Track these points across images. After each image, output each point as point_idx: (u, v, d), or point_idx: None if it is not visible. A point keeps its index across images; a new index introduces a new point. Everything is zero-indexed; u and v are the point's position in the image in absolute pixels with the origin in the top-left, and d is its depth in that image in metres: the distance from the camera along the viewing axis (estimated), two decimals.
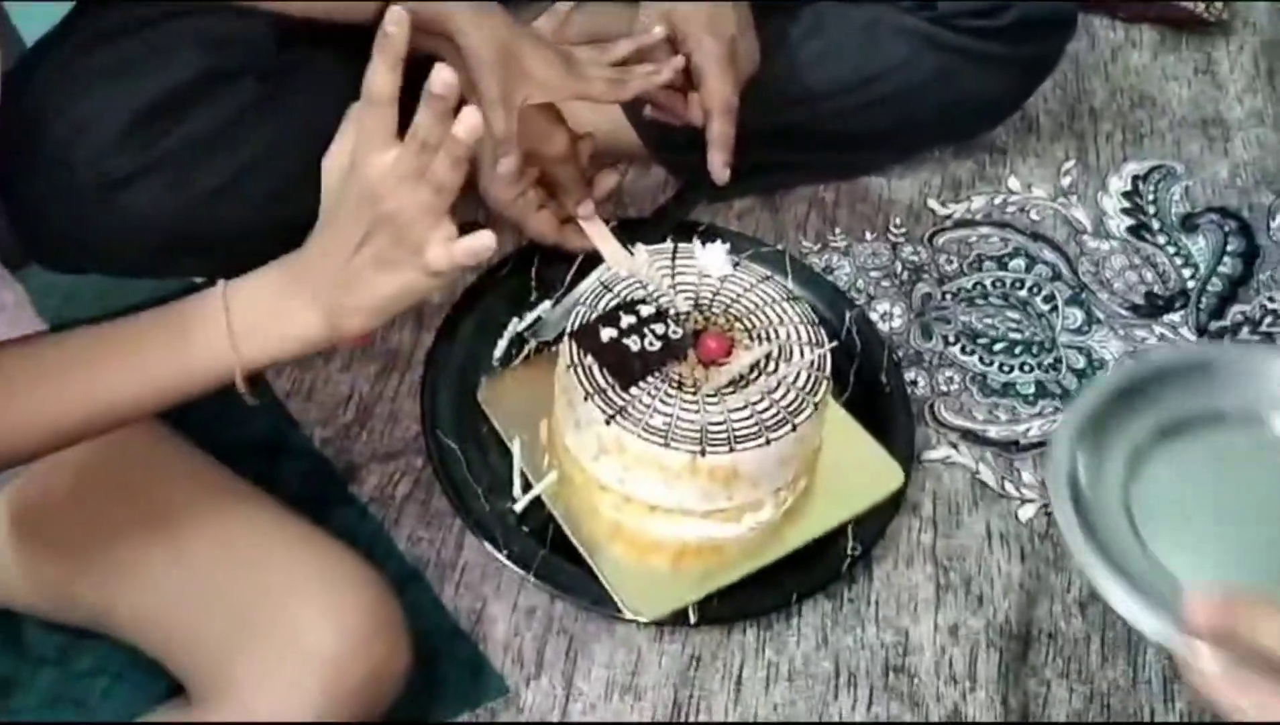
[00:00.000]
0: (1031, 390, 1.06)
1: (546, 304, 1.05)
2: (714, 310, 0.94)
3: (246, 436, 0.95)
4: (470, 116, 0.63)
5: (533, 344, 1.02)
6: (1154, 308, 1.13)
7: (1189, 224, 1.21)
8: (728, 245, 0.97)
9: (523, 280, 1.07)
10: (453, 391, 0.99)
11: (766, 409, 0.88)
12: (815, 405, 0.88)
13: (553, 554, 0.90)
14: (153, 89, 0.84)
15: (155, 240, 0.86)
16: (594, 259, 1.01)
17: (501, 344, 1.03)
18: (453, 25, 0.84)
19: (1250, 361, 0.62)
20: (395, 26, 0.63)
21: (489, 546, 0.90)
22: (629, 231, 1.01)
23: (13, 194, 0.87)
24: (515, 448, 0.95)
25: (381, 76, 0.64)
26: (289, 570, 0.77)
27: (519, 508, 0.92)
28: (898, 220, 1.18)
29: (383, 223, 0.64)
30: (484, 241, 0.64)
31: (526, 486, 0.94)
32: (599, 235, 1.00)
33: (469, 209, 1.11)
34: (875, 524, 0.94)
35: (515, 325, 1.04)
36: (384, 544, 0.92)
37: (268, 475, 0.86)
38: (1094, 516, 0.57)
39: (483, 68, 0.85)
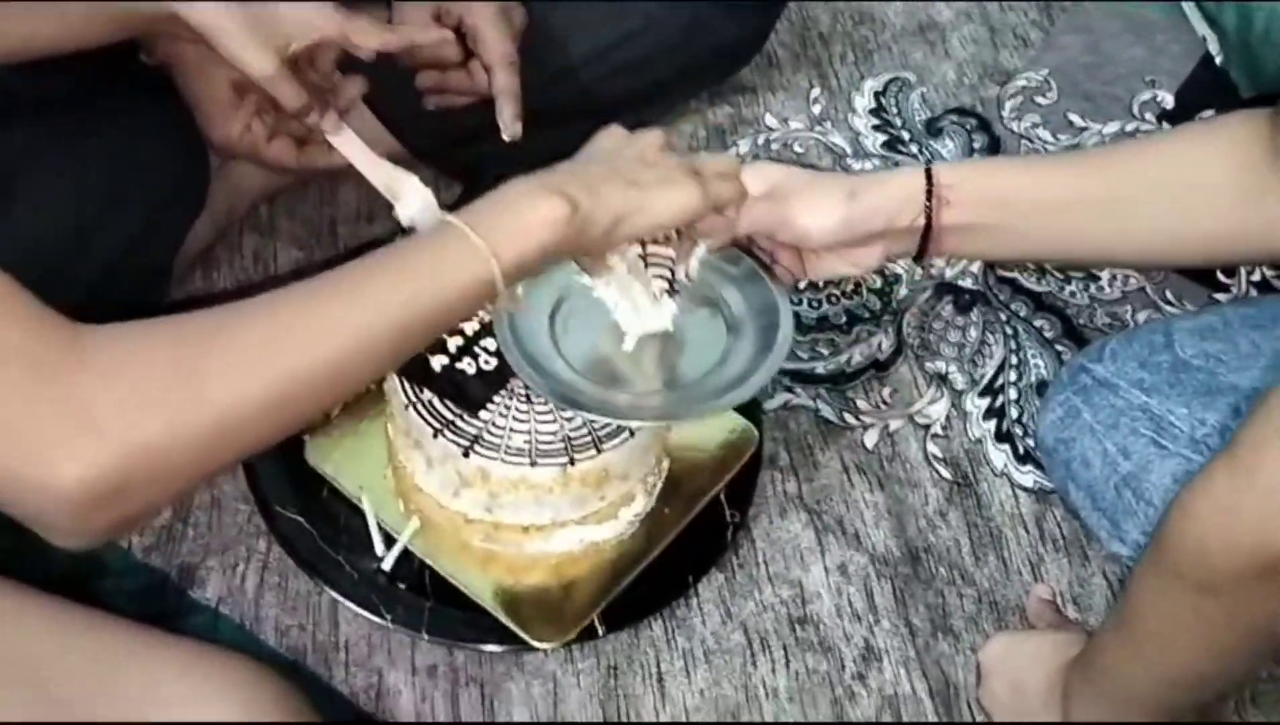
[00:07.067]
0: (844, 320, 1.09)
1: None
2: None
3: (46, 573, 0.75)
4: None
5: None
6: None
7: (933, 128, 1.26)
8: None
9: None
10: (274, 456, 0.91)
11: None
12: None
13: (439, 604, 0.85)
14: None
15: None
16: None
17: None
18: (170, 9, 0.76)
19: None
20: None
21: (369, 615, 0.84)
22: None
23: None
24: (366, 503, 0.88)
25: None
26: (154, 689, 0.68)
27: (387, 565, 0.86)
28: None
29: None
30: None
31: (388, 541, 0.88)
32: (351, 148, 0.88)
33: None
34: (743, 487, 0.94)
35: None
36: (251, 644, 0.84)
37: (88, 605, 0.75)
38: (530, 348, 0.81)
39: (219, 31, 0.78)
